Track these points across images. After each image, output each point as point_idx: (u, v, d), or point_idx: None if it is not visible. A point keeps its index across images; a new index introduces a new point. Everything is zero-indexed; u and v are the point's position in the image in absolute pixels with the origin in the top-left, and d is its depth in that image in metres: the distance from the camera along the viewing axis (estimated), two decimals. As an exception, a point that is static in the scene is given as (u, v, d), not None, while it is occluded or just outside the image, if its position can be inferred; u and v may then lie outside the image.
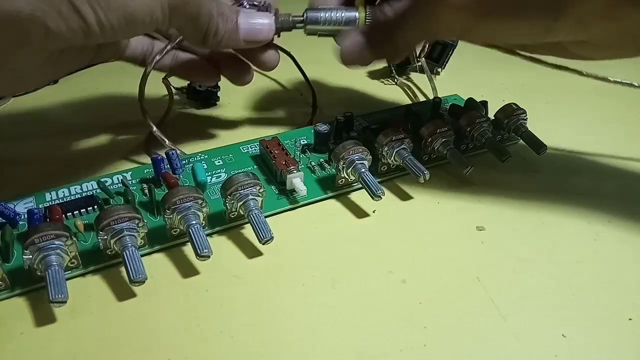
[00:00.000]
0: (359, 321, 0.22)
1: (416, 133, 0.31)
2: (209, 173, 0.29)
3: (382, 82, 0.42)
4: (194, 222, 0.24)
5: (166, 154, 0.28)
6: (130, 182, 0.28)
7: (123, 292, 0.23)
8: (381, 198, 0.27)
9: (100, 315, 0.22)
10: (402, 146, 0.29)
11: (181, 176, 0.28)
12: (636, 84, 0.33)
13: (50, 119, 0.36)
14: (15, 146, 0.34)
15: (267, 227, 0.25)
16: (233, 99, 0.39)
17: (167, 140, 0.30)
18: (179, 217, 0.24)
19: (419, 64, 0.41)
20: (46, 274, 0.21)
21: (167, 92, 0.35)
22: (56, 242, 0.22)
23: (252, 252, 0.26)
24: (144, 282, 0.22)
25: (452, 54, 0.42)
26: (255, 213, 0.25)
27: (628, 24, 0.23)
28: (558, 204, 0.29)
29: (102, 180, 0.28)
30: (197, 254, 0.23)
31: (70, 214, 0.26)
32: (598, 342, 0.22)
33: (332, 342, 0.22)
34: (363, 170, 0.28)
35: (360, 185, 0.29)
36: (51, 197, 0.27)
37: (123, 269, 0.23)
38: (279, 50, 0.30)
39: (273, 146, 0.30)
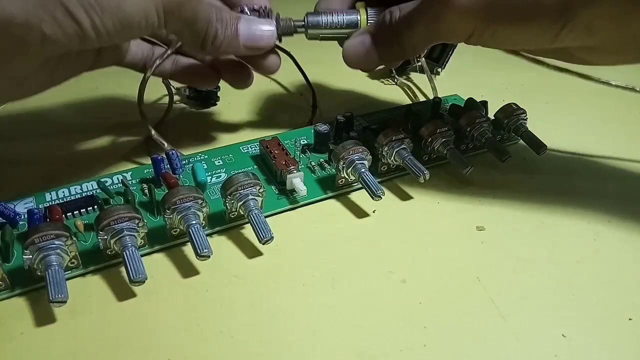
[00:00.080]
0: (359, 321, 0.22)
1: (416, 133, 0.31)
2: (209, 173, 0.29)
3: (382, 82, 0.43)
4: (194, 222, 0.24)
5: (166, 154, 0.28)
6: (130, 182, 0.28)
7: (123, 292, 0.23)
8: (381, 198, 0.27)
9: (100, 315, 0.22)
10: (402, 146, 0.29)
11: (181, 176, 0.29)
12: (637, 89, 0.33)
13: (50, 119, 0.36)
14: (15, 146, 0.34)
15: (267, 227, 0.25)
16: (233, 99, 0.39)
17: (166, 144, 0.30)
18: (179, 217, 0.24)
19: (419, 64, 0.41)
20: (46, 274, 0.21)
21: (166, 92, 0.35)
22: (56, 242, 0.22)
23: (252, 252, 0.26)
24: (144, 282, 0.22)
25: (452, 54, 0.42)
26: (255, 213, 0.25)
27: (636, 30, 0.23)
28: (558, 204, 0.29)
29: (102, 180, 0.28)
30: (197, 254, 0.23)
31: (70, 214, 0.26)
32: (598, 342, 0.22)
33: (332, 342, 0.22)
34: (363, 170, 0.28)
35: (360, 185, 0.29)
36: (51, 197, 0.27)
37: (123, 269, 0.23)
38: (279, 52, 0.30)
39: (273, 146, 0.30)
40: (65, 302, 0.21)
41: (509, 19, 0.24)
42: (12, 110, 0.37)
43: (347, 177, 0.29)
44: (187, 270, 0.25)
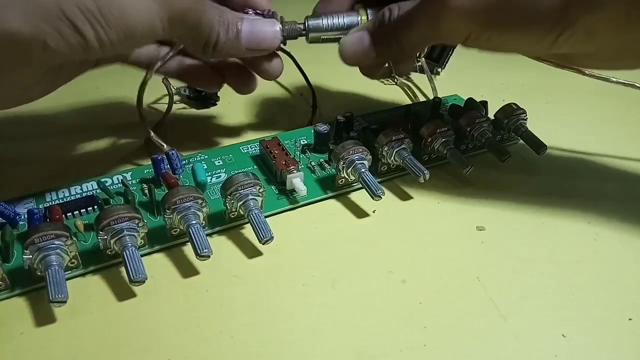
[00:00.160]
0: (359, 321, 0.22)
1: (416, 133, 0.31)
2: (209, 173, 0.29)
3: (382, 82, 0.42)
4: (194, 222, 0.24)
5: (166, 154, 0.28)
6: (130, 182, 0.28)
7: (123, 292, 0.23)
8: (381, 198, 0.27)
9: (100, 315, 0.22)
10: (402, 146, 0.29)
11: (181, 176, 0.29)
12: (638, 85, 0.33)
13: (50, 119, 0.36)
14: (15, 146, 0.34)
15: (267, 227, 0.25)
16: (233, 99, 0.39)
17: (165, 145, 0.30)
18: (179, 217, 0.24)
19: (419, 64, 0.41)
20: (46, 274, 0.21)
21: (167, 93, 0.35)
22: (56, 242, 0.22)
23: (252, 252, 0.26)
24: (144, 282, 0.22)
25: (452, 54, 0.42)
26: (255, 213, 0.25)
27: (635, 37, 0.23)
28: (558, 204, 0.29)
29: (102, 180, 0.28)
30: (197, 254, 0.23)
31: (70, 214, 0.26)
32: (598, 342, 0.22)
33: (332, 342, 0.22)
34: (363, 170, 0.28)
35: (360, 185, 0.29)
36: (51, 197, 0.27)
37: (123, 269, 0.23)
38: (279, 51, 0.30)
39: (273, 146, 0.30)
40: (65, 302, 0.21)
41: (506, 24, 0.24)
42: (12, 111, 0.36)
43: (347, 177, 0.29)
44: (187, 270, 0.25)
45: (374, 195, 0.27)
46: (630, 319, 0.23)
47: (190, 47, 0.26)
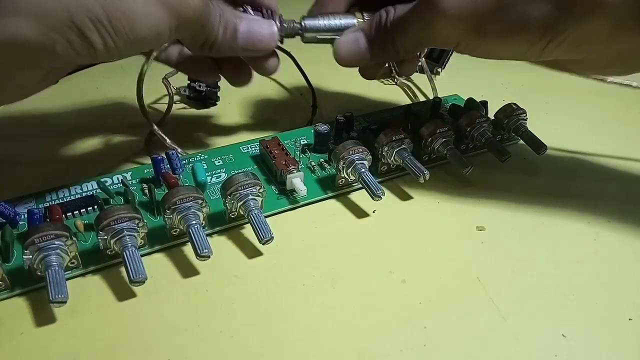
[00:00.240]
0: (359, 321, 0.22)
1: (416, 133, 0.31)
2: (209, 173, 0.29)
3: (382, 82, 0.42)
4: (194, 222, 0.24)
5: (166, 154, 0.28)
6: (130, 182, 0.28)
7: (123, 292, 0.23)
8: (381, 198, 0.27)
9: (100, 315, 0.22)
10: (402, 146, 0.29)
11: (181, 176, 0.28)
12: (634, 84, 0.33)
13: (50, 119, 0.36)
14: (15, 146, 0.34)
15: (267, 227, 0.25)
16: (233, 99, 0.39)
17: (167, 139, 0.30)
18: (179, 217, 0.24)
19: (419, 64, 0.41)
20: (46, 274, 0.21)
21: (166, 93, 0.35)
22: (56, 242, 0.22)
23: (252, 252, 0.26)
24: (144, 282, 0.22)
25: (452, 54, 0.42)
26: (255, 213, 0.25)
27: (623, 48, 0.23)
28: (558, 204, 0.29)
29: (102, 180, 0.28)
30: (197, 254, 0.23)
31: (70, 214, 0.26)
32: (598, 342, 0.22)
33: (332, 342, 0.22)
34: (363, 170, 0.28)
35: (360, 185, 0.29)
36: (51, 197, 0.27)
37: (123, 269, 0.23)
38: (278, 51, 0.30)
39: (273, 146, 0.30)
40: (65, 302, 0.21)
41: (496, 31, 0.24)
42: (12, 111, 0.37)
43: (347, 177, 0.29)
44: (187, 270, 0.25)
45: (374, 195, 0.27)
46: (630, 319, 0.23)
47: (187, 45, 0.27)
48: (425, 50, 0.41)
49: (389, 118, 0.33)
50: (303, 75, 0.37)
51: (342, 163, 0.28)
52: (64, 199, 0.27)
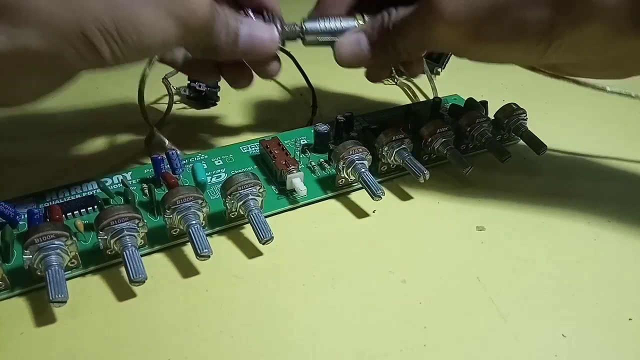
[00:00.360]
0: (359, 321, 0.22)
1: (416, 133, 0.31)
2: (209, 173, 0.29)
3: (382, 82, 0.42)
4: (194, 222, 0.24)
5: (166, 154, 0.28)
6: (130, 182, 0.28)
7: (123, 292, 0.23)
8: (381, 198, 0.27)
9: (100, 315, 0.22)
10: (402, 146, 0.29)
11: (181, 176, 0.28)
12: (633, 95, 0.33)
13: (50, 119, 0.36)
14: (15, 146, 0.34)
15: (267, 227, 0.25)
16: (233, 99, 0.39)
17: (167, 141, 0.30)
18: (179, 217, 0.24)
19: (419, 64, 0.41)
20: (46, 274, 0.21)
21: (166, 93, 0.35)
22: (56, 242, 0.22)
23: (252, 252, 0.26)
24: (144, 282, 0.22)
25: (452, 54, 0.42)
26: (255, 213, 0.25)
27: (619, 52, 0.24)
28: (558, 204, 0.29)
29: (102, 180, 0.28)
30: (197, 254, 0.23)
31: (70, 214, 0.26)
32: (598, 342, 0.22)
33: (332, 342, 0.22)
34: (363, 170, 0.28)
35: (360, 185, 0.29)
36: (51, 197, 0.27)
37: (123, 269, 0.23)
38: (279, 55, 0.30)
39: (273, 146, 0.30)
40: (65, 302, 0.21)
41: (495, 36, 0.24)
42: (12, 111, 0.36)
43: (347, 177, 0.29)
44: (187, 270, 0.25)
45: (374, 195, 0.27)
46: (630, 319, 0.23)
47: (189, 50, 0.27)
48: (420, 55, 0.41)
49: (389, 118, 0.33)
50: (303, 75, 0.37)
51: (342, 163, 0.28)
52: (64, 199, 0.27)
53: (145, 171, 0.29)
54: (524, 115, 0.32)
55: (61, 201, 0.27)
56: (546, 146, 0.31)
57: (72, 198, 0.27)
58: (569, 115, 0.38)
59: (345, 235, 0.27)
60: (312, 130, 0.32)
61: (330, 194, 0.29)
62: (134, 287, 0.23)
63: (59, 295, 0.21)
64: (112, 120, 0.36)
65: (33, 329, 0.22)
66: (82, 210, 0.26)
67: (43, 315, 0.22)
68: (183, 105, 0.38)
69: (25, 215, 0.24)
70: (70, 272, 0.24)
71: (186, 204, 0.24)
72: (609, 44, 0.23)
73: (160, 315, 0.22)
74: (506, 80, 0.43)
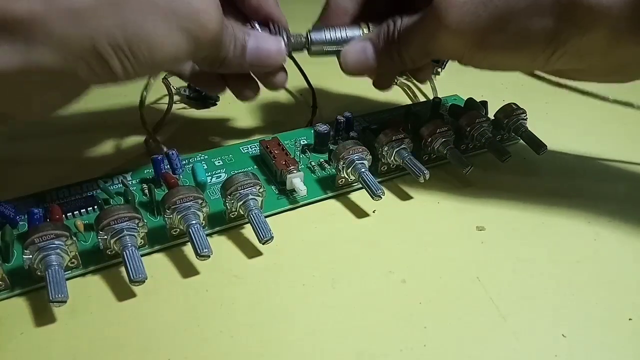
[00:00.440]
0: (359, 321, 0.22)
1: (416, 133, 0.31)
2: (209, 173, 0.29)
3: (391, 88, 0.42)
4: (194, 222, 0.24)
5: (166, 154, 0.28)
6: (130, 182, 0.28)
7: (123, 292, 0.23)
8: (381, 198, 0.27)
9: (100, 315, 0.22)
10: (402, 146, 0.29)
11: (181, 176, 0.28)
12: (635, 105, 0.33)
13: (50, 119, 0.36)
14: (15, 146, 0.34)
15: (267, 227, 0.25)
16: (233, 99, 0.38)
17: (165, 148, 0.30)
18: (179, 217, 0.24)
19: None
20: (46, 274, 0.21)
21: (167, 92, 0.35)
22: (56, 242, 0.22)
23: (252, 252, 0.26)
24: (144, 282, 0.22)
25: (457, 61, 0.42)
26: (255, 213, 0.25)
27: (622, 58, 0.24)
28: (558, 204, 0.29)
29: (102, 180, 0.28)
30: (197, 254, 0.23)
31: (70, 214, 0.26)
32: (598, 342, 0.22)
33: (332, 342, 0.22)
34: (363, 170, 0.28)
35: (360, 185, 0.29)
36: (51, 197, 0.27)
37: (123, 269, 0.23)
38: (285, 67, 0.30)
39: (273, 146, 0.30)
40: (65, 302, 0.21)
41: (500, 44, 0.24)
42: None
43: (347, 177, 0.29)
44: (187, 270, 0.25)
45: (374, 195, 0.27)
46: (630, 319, 0.23)
47: (198, 64, 0.27)
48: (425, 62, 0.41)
49: (389, 118, 0.33)
50: (303, 75, 0.37)
51: (342, 163, 0.28)
52: (64, 199, 0.27)
53: (145, 171, 0.29)
54: (524, 115, 0.32)
55: (61, 201, 0.27)
56: (546, 146, 0.31)
57: (72, 198, 0.27)
58: (569, 116, 0.38)
59: (345, 235, 0.27)
60: (312, 131, 0.32)
61: (330, 194, 0.29)
62: (134, 287, 0.23)
63: (59, 295, 0.21)
64: (112, 120, 0.36)
65: (33, 329, 0.22)
66: (82, 210, 0.26)
67: (43, 315, 0.22)
68: (183, 105, 0.38)
69: (25, 215, 0.24)
70: (70, 272, 0.24)
71: (186, 204, 0.24)
72: (612, 50, 0.23)
73: (160, 315, 0.22)
74: (506, 80, 0.43)
